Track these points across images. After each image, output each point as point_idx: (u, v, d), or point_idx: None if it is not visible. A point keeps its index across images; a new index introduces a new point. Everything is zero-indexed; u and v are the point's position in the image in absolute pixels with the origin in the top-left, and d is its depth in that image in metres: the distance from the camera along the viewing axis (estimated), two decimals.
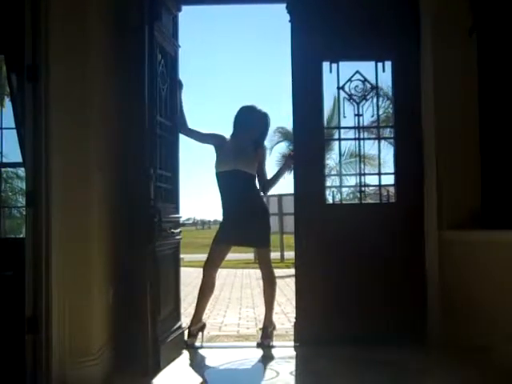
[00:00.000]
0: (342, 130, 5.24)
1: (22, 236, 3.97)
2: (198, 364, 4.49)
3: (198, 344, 4.96)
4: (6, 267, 4.14)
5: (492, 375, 3.75)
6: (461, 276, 4.53)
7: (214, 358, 4.63)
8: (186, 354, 4.71)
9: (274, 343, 4.95)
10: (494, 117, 4.66)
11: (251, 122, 5.08)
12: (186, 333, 4.95)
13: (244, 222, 4.93)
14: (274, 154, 22.89)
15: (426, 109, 4.87)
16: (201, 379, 4.10)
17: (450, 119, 4.75)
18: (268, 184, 5.25)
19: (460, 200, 4.72)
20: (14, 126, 4.88)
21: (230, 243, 5.16)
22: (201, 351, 4.83)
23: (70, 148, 3.71)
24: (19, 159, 4.71)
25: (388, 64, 5.04)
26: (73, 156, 3.72)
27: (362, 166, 5.28)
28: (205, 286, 5.07)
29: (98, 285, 3.90)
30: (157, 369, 4.07)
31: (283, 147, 21.32)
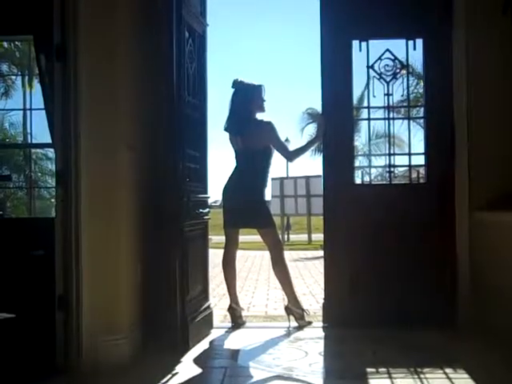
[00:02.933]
0: (371, 110, 5.17)
1: (52, 216, 4.00)
2: (226, 343, 4.51)
3: (224, 324, 4.99)
4: (37, 247, 4.20)
5: None
6: (492, 258, 4.46)
7: (242, 337, 4.64)
8: (214, 333, 4.73)
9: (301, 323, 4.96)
10: None
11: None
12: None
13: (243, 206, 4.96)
14: (305, 135, 22.86)
15: (458, 87, 4.78)
16: (229, 358, 4.11)
17: (482, 99, 4.65)
18: (295, 153, 5.19)
19: (492, 181, 4.64)
20: (43, 107, 4.92)
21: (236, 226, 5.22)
22: (229, 331, 4.85)
23: (99, 127, 3.72)
24: (48, 140, 4.76)
25: (419, 42, 4.94)
26: (102, 135, 3.74)
27: (392, 146, 5.21)
28: (223, 261, 5.18)
29: (127, 263, 3.93)
30: (186, 347, 4.11)
31: (313, 128, 21.25)
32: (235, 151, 5.14)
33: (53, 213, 4.15)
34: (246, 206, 4.93)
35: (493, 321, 4.30)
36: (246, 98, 5.05)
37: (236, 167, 5.12)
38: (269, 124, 5.02)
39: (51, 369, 3.58)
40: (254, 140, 4.98)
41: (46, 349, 3.65)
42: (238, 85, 5.10)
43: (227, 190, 5.09)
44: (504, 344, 3.97)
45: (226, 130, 5.13)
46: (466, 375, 3.51)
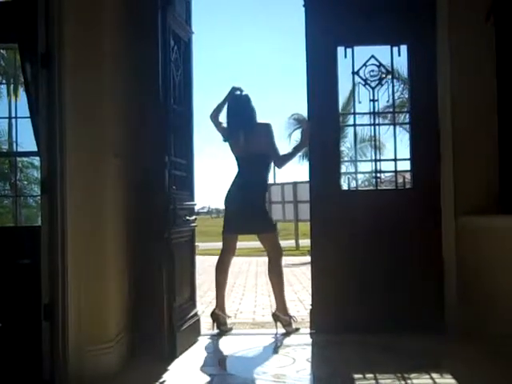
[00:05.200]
0: (356, 116, 5.20)
1: (38, 225, 3.97)
2: (213, 351, 4.50)
3: (211, 331, 4.99)
4: (23, 255, 4.16)
5: (509, 362, 3.71)
6: (479, 262, 4.48)
7: (229, 345, 4.63)
8: (201, 340, 4.72)
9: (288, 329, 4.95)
10: None
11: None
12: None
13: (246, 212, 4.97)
14: (292, 141, 22.92)
15: (443, 93, 4.81)
16: (217, 366, 4.10)
17: (467, 104, 4.70)
18: (283, 159, 5.20)
19: (478, 185, 4.67)
20: (28, 115, 4.89)
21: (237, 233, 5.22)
22: (216, 338, 4.84)
23: (85, 135, 3.71)
24: (34, 149, 4.73)
25: (404, 48, 4.98)
26: (87, 143, 3.72)
27: (378, 152, 5.24)
28: (218, 266, 5.18)
29: (114, 271, 3.91)
30: (173, 355, 4.09)
31: (300, 134, 21.34)
32: (237, 158, 5.14)
33: (39, 221, 4.12)
34: (250, 211, 4.94)
35: (480, 326, 4.32)
36: (248, 103, 5.11)
37: (238, 173, 5.12)
38: (267, 125, 5.08)
39: (37, 379, 3.54)
40: (256, 143, 5.00)
41: (32, 359, 3.62)
42: (238, 91, 5.14)
43: (230, 196, 5.07)
44: (491, 349, 3.99)
45: (226, 140, 5.14)
46: (453, 380, 3.53)
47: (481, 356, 3.99)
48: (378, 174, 5.10)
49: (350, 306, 4.83)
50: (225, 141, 5.15)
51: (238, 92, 5.15)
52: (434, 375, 3.59)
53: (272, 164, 5.16)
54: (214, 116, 5.18)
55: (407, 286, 4.82)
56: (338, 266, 4.87)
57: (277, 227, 5.21)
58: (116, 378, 3.67)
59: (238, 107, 5.10)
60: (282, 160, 5.19)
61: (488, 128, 4.68)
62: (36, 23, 3.68)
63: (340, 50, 5.00)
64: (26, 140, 5.21)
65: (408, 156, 5.03)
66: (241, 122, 5.05)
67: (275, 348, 4.51)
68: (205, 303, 6.42)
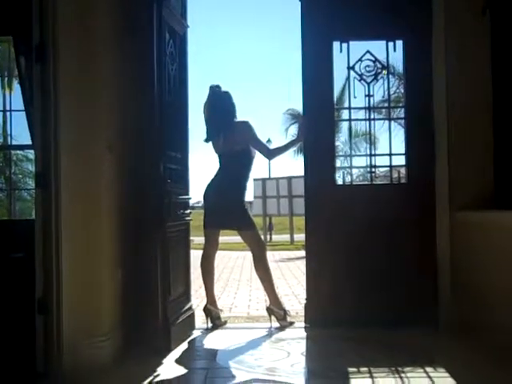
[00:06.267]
0: (352, 111, 5.20)
1: (32, 218, 3.97)
2: (208, 344, 4.50)
3: (205, 325, 4.99)
4: (17, 249, 4.15)
5: (502, 357, 3.73)
6: (472, 257, 4.49)
7: (224, 338, 4.64)
8: (196, 334, 4.73)
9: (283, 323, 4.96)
10: (507, 96, 4.59)
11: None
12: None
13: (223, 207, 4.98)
14: (289, 136, 22.94)
15: (438, 88, 4.81)
16: (211, 359, 4.10)
17: (462, 99, 4.70)
18: (274, 151, 5.25)
19: (472, 181, 4.68)
20: (23, 108, 4.88)
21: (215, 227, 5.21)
22: (211, 332, 4.84)
23: (79, 128, 3.70)
24: (29, 142, 4.72)
25: (399, 43, 4.98)
26: (82, 136, 3.72)
27: (372, 146, 5.24)
28: (202, 261, 5.18)
29: (108, 266, 3.91)
30: (167, 348, 4.10)
31: (296, 129, 21.33)
32: (218, 155, 5.15)
33: (34, 215, 4.11)
34: (226, 207, 4.94)
35: (475, 320, 4.34)
36: (226, 101, 5.09)
37: (219, 169, 5.13)
38: (245, 123, 5.06)
39: (32, 373, 3.54)
40: (233, 141, 5.00)
41: (27, 353, 3.61)
42: (215, 90, 5.11)
43: (209, 191, 5.09)
44: (485, 343, 4.01)
45: (206, 140, 5.14)
46: (447, 374, 3.54)
47: (474, 351, 4.00)
48: (373, 169, 5.11)
49: (344, 300, 4.84)
50: (206, 141, 5.15)
51: (218, 89, 5.12)
52: (428, 370, 3.61)
53: (253, 162, 5.17)
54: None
55: (402, 281, 4.82)
56: (332, 261, 4.87)
57: (255, 224, 5.19)
58: (110, 371, 3.67)
59: (216, 106, 5.09)
60: (272, 152, 5.24)
61: (483, 124, 4.68)
62: (30, 15, 3.67)
63: (336, 44, 4.98)
64: (21, 133, 5.21)
65: (403, 151, 5.03)
66: (220, 121, 5.05)
67: (270, 342, 4.51)
68: (200, 297, 6.42)
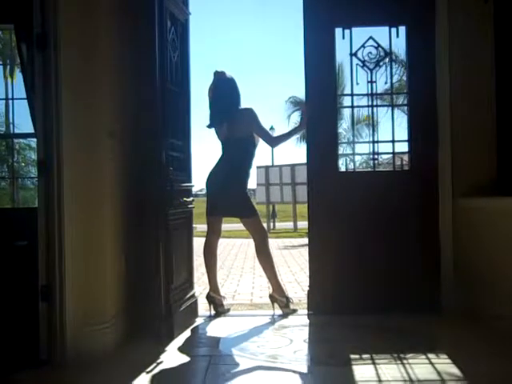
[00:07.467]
0: (354, 97, 5.17)
1: (35, 206, 3.97)
2: (211, 332, 4.52)
3: (208, 313, 5.01)
4: (21, 237, 4.16)
5: (505, 344, 3.74)
6: (475, 244, 4.50)
7: (227, 326, 4.65)
8: (199, 321, 4.74)
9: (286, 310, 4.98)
10: (511, 82, 4.57)
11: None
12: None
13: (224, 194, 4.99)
14: (291, 123, 22.87)
15: (441, 74, 4.79)
16: (214, 347, 4.12)
17: (465, 85, 4.69)
18: (278, 139, 5.26)
19: (475, 167, 4.68)
20: (25, 96, 4.87)
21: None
22: (214, 320, 4.86)
23: (81, 116, 3.69)
24: (31, 130, 4.72)
25: (402, 29, 4.94)
26: (83, 124, 3.71)
27: (375, 133, 5.23)
28: (204, 249, 5.19)
29: (111, 252, 3.92)
30: (170, 336, 4.11)
31: (298, 116, 21.19)
32: (221, 142, 5.14)
33: (36, 203, 4.12)
34: (228, 194, 4.94)
35: (478, 306, 4.34)
36: (231, 88, 5.07)
37: (221, 156, 5.12)
38: (249, 110, 5.03)
39: (35, 360, 3.56)
40: (237, 128, 4.99)
41: (30, 340, 3.63)
42: (220, 76, 5.09)
43: (211, 179, 5.09)
44: (488, 329, 4.02)
45: (209, 126, 5.13)
46: (449, 360, 3.54)
47: (476, 337, 4.01)
48: (376, 156, 5.10)
49: (347, 287, 4.85)
50: (209, 127, 5.14)
51: (223, 76, 5.10)
52: (430, 355, 3.61)
53: (256, 149, 5.15)
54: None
55: (405, 266, 4.83)
56: (335, 248, 4.88)
57: (257, 212, 5.19)
58: (113, 358, 3.69)
59: (221, 93, 5.07)
60: (276, 140, 5.24)
61: (486, 110, 4.67)
62: (32, 3, 3.65)
63: (338, 31, 4.96)
64: (23, 121, 5.20)
65: (406, 138, 5.01)
66: (223, 108, 5.04)
67: (272, 329, 4.52)
68: (203, 284, 6.43)
